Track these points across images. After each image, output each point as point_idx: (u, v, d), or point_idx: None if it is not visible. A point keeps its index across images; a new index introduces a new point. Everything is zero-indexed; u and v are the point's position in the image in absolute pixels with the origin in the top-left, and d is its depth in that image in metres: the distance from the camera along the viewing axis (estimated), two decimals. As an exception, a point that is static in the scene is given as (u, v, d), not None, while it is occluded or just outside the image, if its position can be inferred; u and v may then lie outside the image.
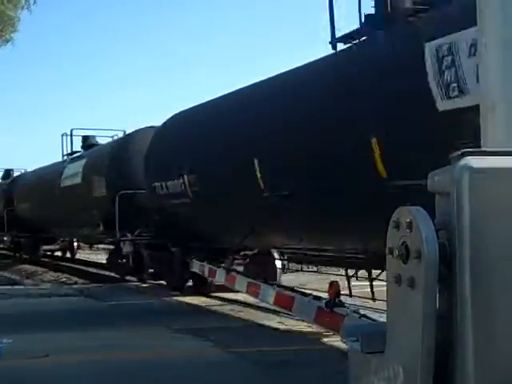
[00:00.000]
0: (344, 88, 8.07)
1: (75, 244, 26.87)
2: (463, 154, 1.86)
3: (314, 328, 9.80)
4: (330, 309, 7.73)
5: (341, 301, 7.77)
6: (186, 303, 14.37)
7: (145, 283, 17.40)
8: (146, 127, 17.51)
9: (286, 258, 12.57)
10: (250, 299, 12.60)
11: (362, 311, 7.93)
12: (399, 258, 1.87)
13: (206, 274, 13.44)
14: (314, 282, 14.23)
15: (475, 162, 1.84)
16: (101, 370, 8.05)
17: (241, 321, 11.83)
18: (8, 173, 33.92)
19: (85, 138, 23.16)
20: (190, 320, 11.77)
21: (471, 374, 1.71)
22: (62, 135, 24.03)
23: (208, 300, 14.88)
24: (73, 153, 23.39)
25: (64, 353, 8.89)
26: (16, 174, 32.99)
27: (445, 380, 1.79)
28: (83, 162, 19.96)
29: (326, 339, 9.37)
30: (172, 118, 14.98)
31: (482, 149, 2.09)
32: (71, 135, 23.68)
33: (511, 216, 1.72)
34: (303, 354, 8.73)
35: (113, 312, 13.10)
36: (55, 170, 22.64)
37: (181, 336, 10.23)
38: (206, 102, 13.40)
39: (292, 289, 10.39)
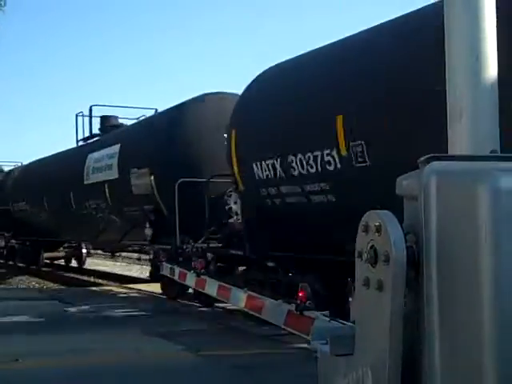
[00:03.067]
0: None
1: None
2: (430, 159, 1.89)
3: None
4: (300, 312, 7.75)
5: (311, 304, 7.80)
6: (159, 306, 14.32)
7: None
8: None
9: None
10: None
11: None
12: (368, 262, 1.89)
13: (177, 276, 13.41)
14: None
15: (442, 166, 1.87)
16: (70, 375, 8.00)
17: (212, 323, 11.83)
18: None
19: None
20: (162, 323, 11.74)
21: (438, 374, 1.74)
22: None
23: (177, 303, 14.85)
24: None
25: (33, 357, 8.82)
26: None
27: (413, 380, 1.82)
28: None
29: (295, 342, 9.40)
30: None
31: (449, 154, 2.13)
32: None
33: (477, 220, 1.75)
34: (273, 357, 8.76)
35: (83, 316, 13.01)
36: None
37: (153, 339, 10.20)
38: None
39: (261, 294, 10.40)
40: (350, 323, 5.03)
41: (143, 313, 13.42)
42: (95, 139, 20.20)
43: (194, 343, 9.63)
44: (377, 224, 1.87)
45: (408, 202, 1.96)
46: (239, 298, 10.30)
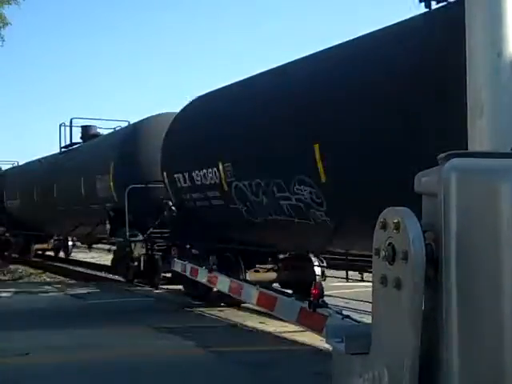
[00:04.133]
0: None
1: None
2: (450, 156, 1.86)
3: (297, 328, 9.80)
4: (313, 309, 7.72)
5: (324, 301, 7.77)
6: (169, 302, 14.33)
7: (157, 289, 15.94)
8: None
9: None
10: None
11: (344, 312, 7.94)
12: (385, 259, 1.87)
13: (188, 273, 13.40)
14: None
15: (462, 163, 1.84)
16: (78, 369, 8.01)
17: (223, 320, 11.82)
18: None
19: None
20: (171, 319, 11.73)
21: (456, 375, 1.71)
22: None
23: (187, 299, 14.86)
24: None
25: (43, 351, 8.84)
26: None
27: (430, 381, 1.79)
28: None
29: (307, 339, 9.38)
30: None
31: (469, 150, 2.10)
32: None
33: (497, 217, 1.72)
34: (285, 354, 8.74)
35: (93, 310, 13.03)
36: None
37: (162, 335, 10.20)
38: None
39: (274, 289, 10.39)
40: (363, 321, 4.98)
41: (153, 308, 13.43)
42: None
43: (205, 339, 9.64)
44: (395, 221, 1.84)
45: (427, 199, 1.94)
46: (251, 295, 10.27)
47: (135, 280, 16.67)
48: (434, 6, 7.26)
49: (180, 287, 14.86)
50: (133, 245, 15.52)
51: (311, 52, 9.65)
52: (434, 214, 1.83)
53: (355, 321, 6.52)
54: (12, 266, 24.02)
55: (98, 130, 21.33)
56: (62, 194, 20.04)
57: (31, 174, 22.27)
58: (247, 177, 10.11)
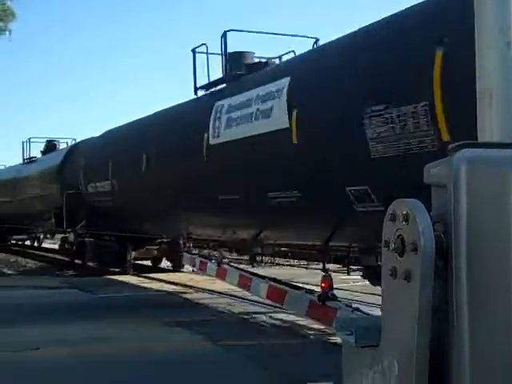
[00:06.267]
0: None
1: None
2: (460, 146, 1.84)
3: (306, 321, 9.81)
4: (323, 302, 7.72)
5: (333, 294, 7.76)
6: (178, 296, 14.38)
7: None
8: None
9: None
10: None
11: (354, 305, 7.94)
12: (395, 251, 1.85)
13: (197, 266, 13.43)
14: (304, 275, 14.26)
15: (473, 153, 1.82)
16: (90, 363, 8.03)
17: (231, 314, 11.84)
18: None
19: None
20: (180, 313, 11.76)
21: (467, 367, 1.69)
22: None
23: (196, 293, 14.90)
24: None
25: (53, 346, 8.87)
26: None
27: (441, 373, 1.77)
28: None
29: (317, 332, 9.39)
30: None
31: (480, 141, 2.07)
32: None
33: (508, 208, 1.70)
34: (293, 347, 8.75)
35: (103, 305, 13.08)
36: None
37: (171, 329, 10.22)
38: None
39: (283, 282, 10.40)
40: (373, 314, 4.96)
41: (162, 302, 13.47)
42: None
43: (213, 333, 9.65)
44: (404, 212, 1.82)
45: (436, 190, 1.92)
46: (260, 289, 10.28)
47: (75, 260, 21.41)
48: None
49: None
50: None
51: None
52: (443, 205, 1.81)
53: (365, 313, 6.51)
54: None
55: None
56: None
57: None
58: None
